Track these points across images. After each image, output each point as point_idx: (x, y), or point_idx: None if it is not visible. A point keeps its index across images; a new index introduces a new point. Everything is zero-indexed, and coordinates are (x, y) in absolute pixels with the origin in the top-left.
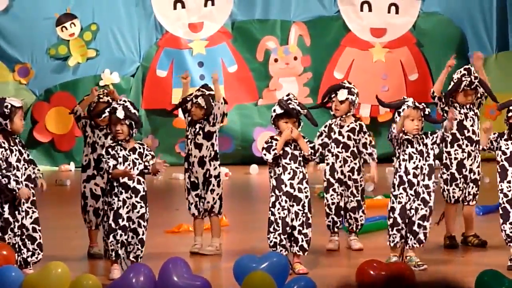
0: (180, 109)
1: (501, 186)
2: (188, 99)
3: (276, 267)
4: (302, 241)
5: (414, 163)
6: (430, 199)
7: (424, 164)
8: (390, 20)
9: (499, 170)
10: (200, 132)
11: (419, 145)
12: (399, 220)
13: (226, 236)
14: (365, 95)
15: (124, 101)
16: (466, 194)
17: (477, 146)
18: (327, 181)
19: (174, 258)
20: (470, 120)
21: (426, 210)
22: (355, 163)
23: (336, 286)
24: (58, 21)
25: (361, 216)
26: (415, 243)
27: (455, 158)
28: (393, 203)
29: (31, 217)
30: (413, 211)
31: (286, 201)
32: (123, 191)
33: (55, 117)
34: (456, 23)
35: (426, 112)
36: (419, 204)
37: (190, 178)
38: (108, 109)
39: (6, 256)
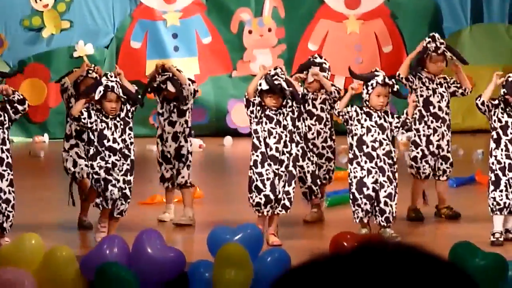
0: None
1: (495, 152)
2: (155, 84)
3: (250, 238)
4: (284, 199)
5: (372, 135)
6: (395, 177)
7: (383, 139)
8: None
9: (494, 137)
10: (175, 110)
11: (380, 119)
12: (357, 195)
13: (200, 207)
14: (339, 67)
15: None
16: (436, 170)
17: (445, 122)
18: (301, 149)
19: (147, 229)
20: (437, 96)
21: (392, 188)
22: (327, 133)
23: (309, 258)
24: None
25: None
26: (382, 221)
27: (424, 135)
28: (350, 178)
29: (7, 180)
30: (378, 185)
31: (270, 165)
32: (111, 154)
33: (29, 89)
34: None
35: (395, 89)
36: (385, 181)
37: (163, 152)
38: (103, 86)
39: None
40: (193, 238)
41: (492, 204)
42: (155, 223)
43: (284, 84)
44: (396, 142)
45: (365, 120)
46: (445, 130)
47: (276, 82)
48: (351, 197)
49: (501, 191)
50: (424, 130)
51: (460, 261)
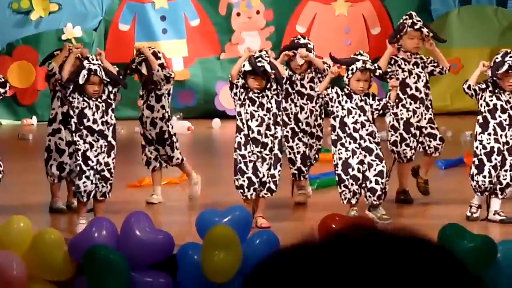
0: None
1: (480, 137)
2: (133, 66)
3: (239, 221)
4: (270, 182)
5: (353, 117)
6: (381, 155)
7: (366, 120)
8: None
9: (480, 121)
10: (153, 94)
11: (360, 101)
12: (343, 176)
13: (189, 190)
14: (328, 49)
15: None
16: (428, 149)
17: (424, 102)
18: (291, 130)
19: (136, 212)
20: (414, 78)
21: (383, 166)
22: (317, 111)
23: (298, 240)
24: None
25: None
26: (375, 200)
27: (401, 118)
28: (334, 160)
29: None
30: (365, 166)
31: (253, 147)
32: (88, 134)
33: (18, 71)
34: None
35: (377, 74)
36: (373, 160)
37: (145, 135)
38: (86, 70)
39: None
40: (182, 220)
41: (474, 186)
42: (144, 205)
43: (267, 67)
44: (385, 124)
45: (346, 102)
46: (423, 111)
47: (259, 64)
48: (337, 178)
49: (484, 176)
50: (402, 114)
51: (448, 243)
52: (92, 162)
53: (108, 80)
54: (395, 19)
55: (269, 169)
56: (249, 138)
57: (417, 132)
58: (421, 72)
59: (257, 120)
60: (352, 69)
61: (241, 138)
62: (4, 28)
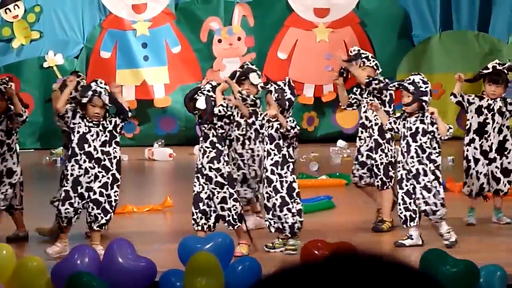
0: None
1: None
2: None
3: (221, 247)
4: (229, 216)
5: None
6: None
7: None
8: (333, 0)
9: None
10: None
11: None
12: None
13: (171, 217)
14: (309, 75)
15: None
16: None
17: (372, 131)
18: (242, 174)
19: (118, 239)
20: (364, 106)
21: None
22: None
23: (281, 266)
24: (2, 3)
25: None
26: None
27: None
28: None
29: None
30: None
31: (198, 178)
32: (86, 159)
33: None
34: (399, 2)
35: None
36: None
37: None
38: (91, 91)
39: None
40: (164, 247)
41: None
42: (126, 232)
43: (200, 102)
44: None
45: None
46: (370, 140)
47: (196, 96)
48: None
49: (399, 204)
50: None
51: (431, 268)
52: (82, 188)
53: (117, 110)
54: (377, 45)
55: (220, 202)
56: (197, 169)
57: (366, 161)
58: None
59: (200, 151)
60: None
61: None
62: None
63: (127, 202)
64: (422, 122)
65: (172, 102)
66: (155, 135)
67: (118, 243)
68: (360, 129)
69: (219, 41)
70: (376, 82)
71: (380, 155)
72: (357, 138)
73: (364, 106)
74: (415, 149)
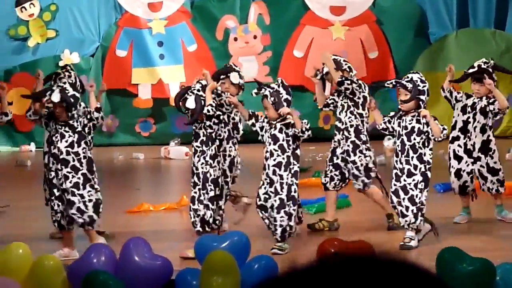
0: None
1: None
2: None
3: (237, 246)
4: (192, 217)
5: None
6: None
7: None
8: None
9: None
10: None
11: None
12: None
13: (187, 215)
14: None
15: (64, 82)
16: (352, 176)
17: (348, 133)
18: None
19: (135, 238)
20: (339, 108)
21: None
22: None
23: (297, 264)
24: (17, 2)
25: None
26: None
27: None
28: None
29: None
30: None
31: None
32: (54, 161)
33: (15, 98)
34: (416, 0)
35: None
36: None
37: None
38: (48, 92)
39: None
40: (180, 246)
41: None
42: (143, 231)
43: (189, 101)
44: (383, 148)
45: None
46: (345, 142)
47: (186, 96)
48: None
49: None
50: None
51: (447, 266)
52: (58, 191)
53: (88, 112)
54: (393, 43)
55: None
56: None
57: (341, 163)
58: (345, 103)
59: (198, 156)
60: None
61: None
62: (2, 54)
63: (143, 200)
64: (418, 121)
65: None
66: (171, 134)
67: (134, 242)
68: (335, 131)
69: (235, 39)
70: (349, 82)
71: (359, 156)
72: (332, 140)
73: (338, 108)
74: (408, 148)
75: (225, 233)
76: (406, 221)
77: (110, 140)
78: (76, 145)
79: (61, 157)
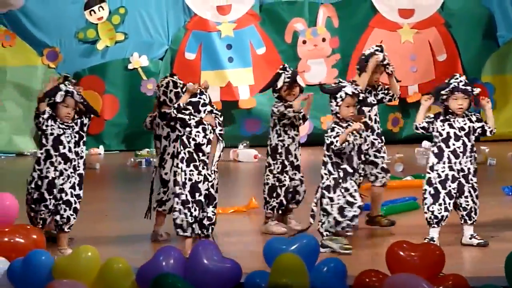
0: None
1: (436, 167)
2: None
3: (306, 249)
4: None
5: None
6: None
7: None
8: (418, 1)
9: (435, 151)
10: None
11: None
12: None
13: (256, 218)
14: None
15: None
16: (369, 176)
17: (374, 131)
18: (281, 163)
19: (204, 240)
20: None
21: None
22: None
23: (367, 267)
24: (86, 5)
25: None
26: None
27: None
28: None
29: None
30: None
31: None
32: (62, 161)
33: None
34: (484, 3)
35: (361, 97)
36: None
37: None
38: (63, 91)
39: (36, 240)
40: (249, 248)
41: (430, 217)
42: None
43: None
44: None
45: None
46: (375, 139)
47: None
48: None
49: (440, 204)
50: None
51: None
52: (56, 190)
53: (82, 106)
54: (461, 45)
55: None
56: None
57: (363, 158)
58: (373, 101)
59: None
60: (341, 96)
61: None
62: (71, 58)
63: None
64: (470, 121)
65: (257, 104)
66: (240, 137)
67: (203, 245)
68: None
69: (304, 42)
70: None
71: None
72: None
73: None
74: (470, 148)
75: (295, 236)
76: (473, 218)
77: None
78: (76, 145)
79: (71, 157)
